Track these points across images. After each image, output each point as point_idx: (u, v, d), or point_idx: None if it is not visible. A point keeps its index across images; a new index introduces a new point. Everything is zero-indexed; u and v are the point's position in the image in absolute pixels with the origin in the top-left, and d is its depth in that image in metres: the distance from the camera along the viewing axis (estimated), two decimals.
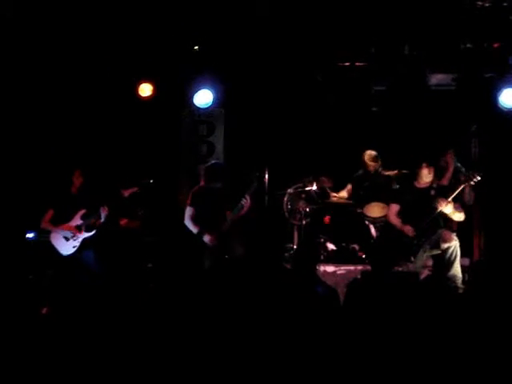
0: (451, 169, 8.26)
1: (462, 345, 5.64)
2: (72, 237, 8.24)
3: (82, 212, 8.32)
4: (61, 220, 8.33)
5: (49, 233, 8.52)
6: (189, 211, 8.28)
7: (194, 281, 7.70)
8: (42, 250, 8.81)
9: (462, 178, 7.86)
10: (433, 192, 8.02)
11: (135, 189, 8.51)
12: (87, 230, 8.24)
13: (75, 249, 8.24)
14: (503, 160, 9.23)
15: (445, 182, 8.19)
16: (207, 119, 10.31)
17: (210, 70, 9.55)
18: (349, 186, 9.86)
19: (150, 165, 10.02)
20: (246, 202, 8.16)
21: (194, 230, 8.24)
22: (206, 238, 8.13)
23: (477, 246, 9.21)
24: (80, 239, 8.25)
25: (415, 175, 8.14)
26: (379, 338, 5.64)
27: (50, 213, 8.37)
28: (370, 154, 9.49)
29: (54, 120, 9.88)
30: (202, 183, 8.45)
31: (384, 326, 5.77)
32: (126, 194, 8.47)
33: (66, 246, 8.26)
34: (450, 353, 5.49)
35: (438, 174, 8.07)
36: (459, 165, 8.53)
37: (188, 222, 8.27)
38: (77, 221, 8.30)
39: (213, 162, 8.97)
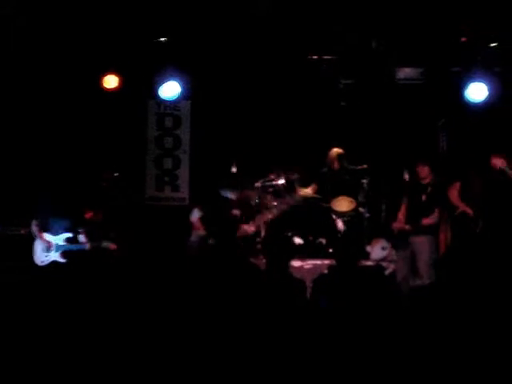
0: None
1: (426, 337, 5.68)
2: (47, 251, 8.11)
3: (66, 235, 8.13)
4: (45, 227, 8.19)
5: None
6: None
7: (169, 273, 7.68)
8: (7, 244, 8.72)
9: None
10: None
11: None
12: (62, 256, 8.07)
13: (43, 264, 8.08)
14: (470, 154, 9.26)
15: None
16: (173, 112, 10.23)
17: (176, 62, 9.44)
18: (314, 185, 9.82)
19: (115, 157, 9.91)
20: None
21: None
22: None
23: (443, 241, 9.23)
24: (50, 259, 8.09)
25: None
26: (345, 331, 5.65)
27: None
28: (335, 151, 9.48)
29: (18, 113, 9.71)
30: None
31: (350, 319, 5.77)
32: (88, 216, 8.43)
33: (39, 256, 8.13)
34: (416, 345, 5.52)
35: None
36: None
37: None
38: (57, 235, 8.13)
39: None
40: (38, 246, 8.10)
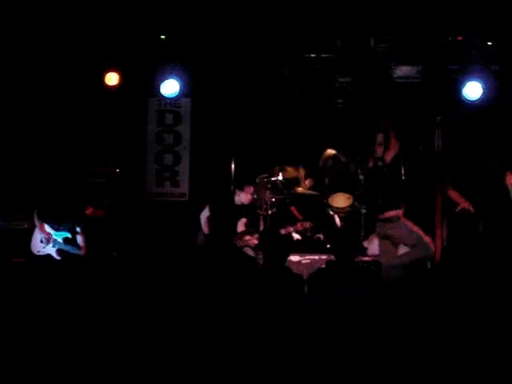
0: None
1: (422, 335, 5.72)
2: (45, 242, 8.21)
3: (66, 235, 8.25)
4: (44, 218, 8.31)
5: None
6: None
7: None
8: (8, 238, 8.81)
9: None
10: None
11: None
12: (58, 253, 8.17)
13: (39, 254, 8.19)
14: (466, 152, 9.34)
15: None
16: (174, 109, 10.31)
17: (177, 60, 9.52)
18: (309, 180, 9.92)
19: (116, 154, 10.00)
20: None
21: None
22: None
23: (439, 238, 9.32)
24: (46, 252, 8.18)
25: None
26: (342, 326, 5.69)
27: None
28: (329, 153, 9.60)
29: (20, 110, 9.79)
30: None
31: (346, 314, 5.82)
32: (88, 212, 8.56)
33: (36, 246, 8.24)
34: (412, 342, 5.56)
35: None
36: None
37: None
38: (58, 231, 8.25)
39: None
40: (37, 236, 8.20)
